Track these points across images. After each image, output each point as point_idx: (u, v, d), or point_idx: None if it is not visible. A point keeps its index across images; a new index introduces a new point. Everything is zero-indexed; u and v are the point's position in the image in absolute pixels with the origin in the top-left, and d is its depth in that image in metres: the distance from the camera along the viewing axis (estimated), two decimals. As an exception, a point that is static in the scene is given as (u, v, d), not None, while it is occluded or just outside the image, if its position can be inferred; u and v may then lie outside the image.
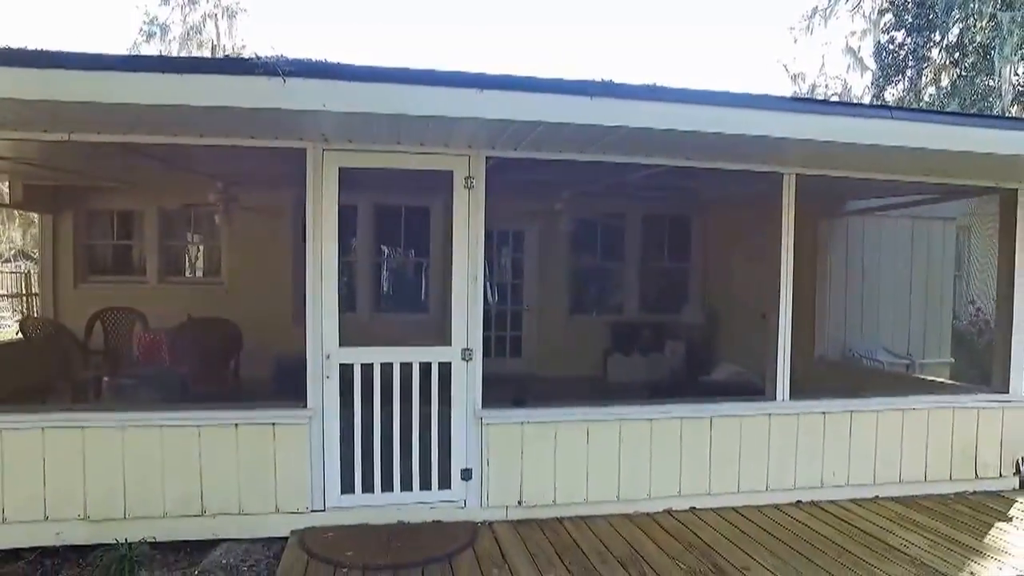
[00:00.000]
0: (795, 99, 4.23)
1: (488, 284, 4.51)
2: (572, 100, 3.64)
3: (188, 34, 26.40)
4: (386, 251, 8.16)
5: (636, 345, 8.25)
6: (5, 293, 13.56)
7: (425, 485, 4.42)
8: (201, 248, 9.14)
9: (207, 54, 26.13)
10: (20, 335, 7.31)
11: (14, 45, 3.24)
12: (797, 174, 4.84)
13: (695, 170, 4.78)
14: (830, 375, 7.12)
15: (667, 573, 3.79)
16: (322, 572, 3.71)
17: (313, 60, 3.25)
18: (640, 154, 4.56)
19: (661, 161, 4.68)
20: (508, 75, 3.50)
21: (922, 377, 6.68)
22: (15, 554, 4.03)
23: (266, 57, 3.12)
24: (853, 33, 26.35)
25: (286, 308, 7.83)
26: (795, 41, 26.22)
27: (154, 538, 4.14)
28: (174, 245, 8.90)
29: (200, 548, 4.19)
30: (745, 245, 7.33)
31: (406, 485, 4.39)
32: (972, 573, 3.89)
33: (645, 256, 9.07)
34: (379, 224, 8.06)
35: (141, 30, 27.23)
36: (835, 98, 29.95)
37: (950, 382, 6.21)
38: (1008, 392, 5.35)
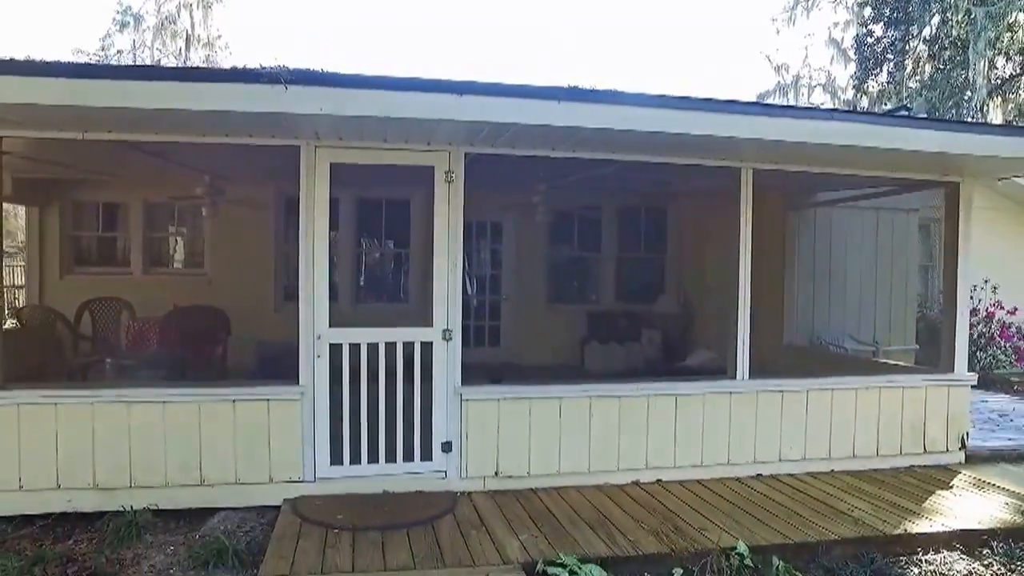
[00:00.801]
0: (742, 102, 4.58)
1: (467, 276, 4.85)
2: (543, 104, 4.00)
3: (163, 24, 26.29)
4: (364, 244, 8.42)
5: (613, 333, 8.57)
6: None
7: (408, 457, 4.77)
8: (184, 240, 9.31)
9: (181, 45, 26.03)
10: (16, 323, 7.55)
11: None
12: (754, 168, 5.20)
13: (660, 165, 5.13)
14: (796, 360, 7.50)
15: (631, 533, 4.15)
16: (315, 533, 4.05)
17: (311, 70, 3.58)
18: (607, 150, 4.91)
19: (628, 157, 5.03)
20: (484, 82, 3.85)
21: (878, 360, 7.07)
22: (29, 520, 4.35)
23: (270, 67, 3.46)
24: (836, 24, 26.65)
25: (268, 297, 8.16)
26: (778, 32, 26.53)
27: (157, 506, 4.45)
28: (158, 237, 9.05)
29: (199, 515, 4.52)
30: (715, 236, 7.69)
31: (391, 457, 4.74)
32: (906, 530, 4.28)
33: (621, 247, 9.38)
34: (360, 216, 8.34)
35: (115, 20, 27.11)
36: (818, 89, 30.35)
37: (902, 364, 6.60)
38: (953, 372, 5.76)
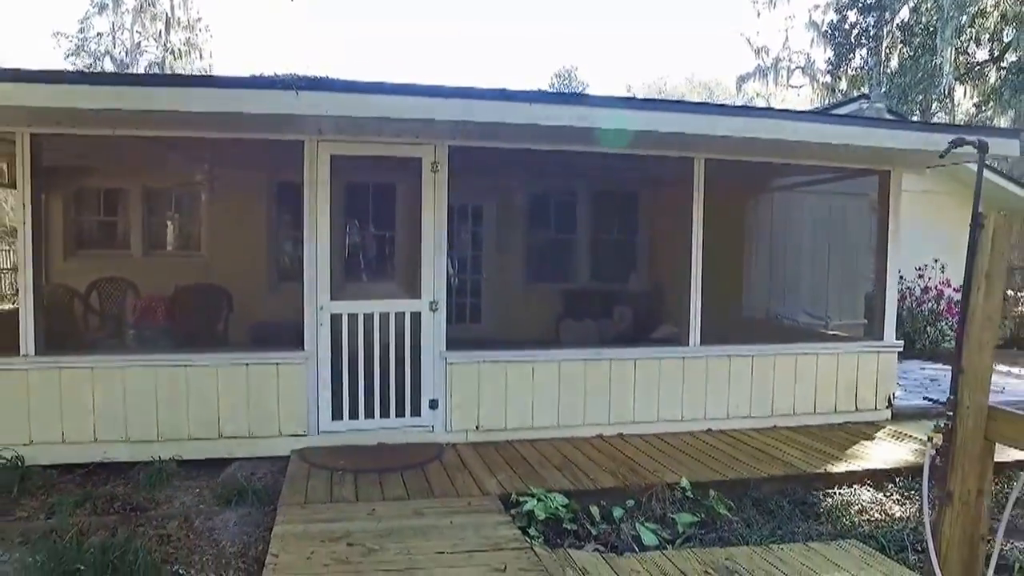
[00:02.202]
0: (691, 103, 5.29)
1: (450, 256, 5.51)
2: (517, 106, 4.65)
3: (142, 6, 26.42)
4: (360, 225, 8.94)
5: (586, 311, 9.22)
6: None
7: (400, 413, 5.45)
8: (182, 223, 9.82)
9: (161, 27, 26.16)
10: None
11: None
12: (705, 159, 5.88)
13: (626, 156, 5.81)
14: (752, 332, 8.22)
15: (592, 473, 4.87)
16: (322, 475, 4.74)
17: (317, 77, 4.23)
18: (579, 143, 5.57)
19: (597, 149, 5.67)
20: (465, 87, 4.49)
21: (821, 331, 7.81)
22: (71, 468, 4.99)
23: (285, 76, 4.08)
24: (817, 7, 27.15)
25: (262, 278, 8.75)
26: (759, 15, 27.03)
27: (180, 456, 5.11)
28: (157, 220, 9.54)
29: (218, 465, 5.18)
30: (677, 220, 8.37)
31: (385, 413, 5.42)
32: (826, 470, 5.04)
33: (594, 230, 10.00)
34: (356, 202, 8.87)
35: (93, 1, 27.15)
36: (798, 72, 31.00)
37: (841, 334, 7.33)
38: (883, 339, 6.51)
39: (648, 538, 3.95)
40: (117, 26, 26.08)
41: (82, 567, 3.34)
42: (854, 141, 5.48)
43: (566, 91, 55.89)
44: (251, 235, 8.62)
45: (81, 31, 26.76)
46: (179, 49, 24.79)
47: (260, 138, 5.14)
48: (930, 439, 3.12)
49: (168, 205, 9.47)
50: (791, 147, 5.55)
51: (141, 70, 24.54)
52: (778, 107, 33.12)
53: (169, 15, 25.11)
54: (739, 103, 35.72)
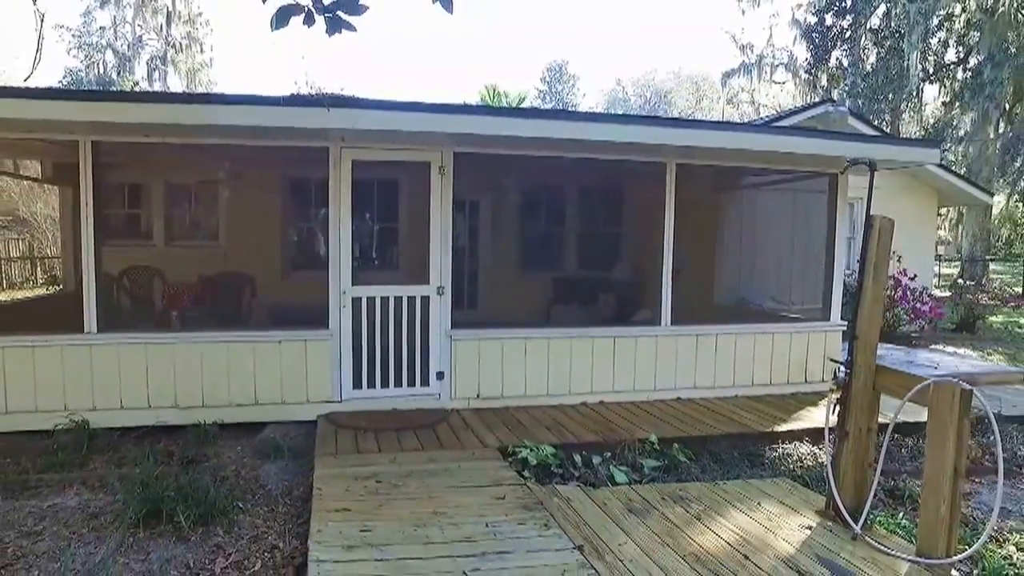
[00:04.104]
0: (664, 119, 6.19)
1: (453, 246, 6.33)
2: (516, 120, 5.52)
3: (143, 1, 26.90)
4: (376, 220, 9.73)
5: (574, 297, 10.11)
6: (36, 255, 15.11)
7: (411, 383, 6.32)
8: (210, 218, 10.60)
9: (162, 20, 26.71)
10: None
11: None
12: (676, 163, 6.76)
13: (610, 160, 6.68)
14: (719, 314, 9.14)
15: (576, 431, 5.76)
16: (347, 433, 5.60)
17: (343, 96, 5.06)
18: (570, 151, 6.42)
19: (584, 154, 6.51)
20: (469, 104, 5.35)
21: (780, 314, 8.73)
22: (128, 431, 5.81)
23: (318, 95, 4.90)
24: (799, 6, 28.06)
25: (276, 267, 9.57)
26: (743, 13, 27.98)
27: (222, 420, 5.93)
28: (178, 213, 10.34)
29: (254, 428, 6.01)
30: (654, 216, 9.27)
31: (398, 383, 6.28)
32: (773, 429, 5.96)
33: (581, 224, 10.88)
34: (373, 199, 9.66)
35: None
36: (780, 69, 31.99)
37: (794, 315, 8.25)
38: (830, 320, 7.44)
39: (620, 477, 4.85)
40: (119, 20, 26.56)
41: (170, 495, 4.18)
42: (811, 150, 6.40)
43: (556, 86, 56.42)
44: (272, 229, 9.42)
45: (84, 24, 27.22)
46: (180, 43, 25.32)
47: (292, 145, 5.95)
48: (831, 391, 4.05)
49: (199, 201, 10.26)
50: (745, 154, 6.46)
51: (143, 64, 25.11)
52: (762, 103, 34.11)
53: (170, 9, 25.65)
54: (724, 98, 36.79)
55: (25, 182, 12.96)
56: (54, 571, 3.64)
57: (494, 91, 17.89)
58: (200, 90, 25.22)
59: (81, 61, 27.46)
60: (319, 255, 6.40)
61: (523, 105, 18.60)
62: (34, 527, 4.16)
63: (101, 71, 25.36)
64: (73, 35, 26.19)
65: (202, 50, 26.05)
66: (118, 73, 25.22)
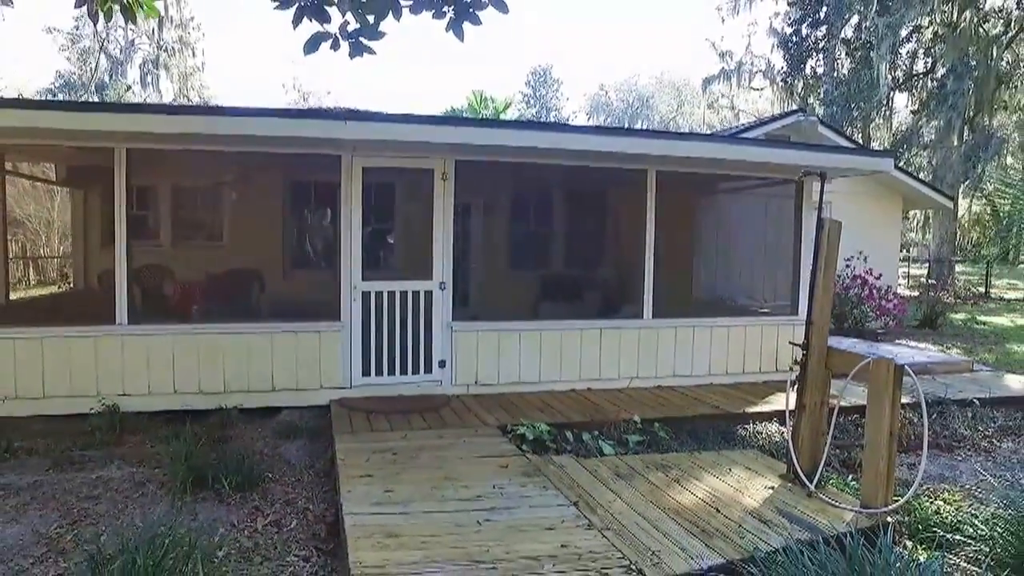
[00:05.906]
0: (646, 131, 6.84)
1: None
2: (511, 132, 6.11)
3: (135, 4, 27.09)
4: (383, 221, 10.23)
5: (561, 295, 10.71)
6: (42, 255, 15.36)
7: (415, 371, 6.89)
8: (225, 219, 11.03)
9: (154, 24, 26.91)
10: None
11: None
12: (657, 170, 7.41)
13: (596, 167, 7.31)
14: (697, 309, 9.78)
15: (566, 413, 6.36)
16: (359, 414, 6.16)
17: (357, 110, 5.61)
18: (560, 159, 7.04)
19: (572, 162, 7.14)
20: (469, 117, 5.95)
21: (754, 309, 9.40)
22: (155, 415, 6.30)
23: (334, 109, 5.47)
24: (777, 15, 28.95)
25: (277, 266, 10.05)
26: (723, 21, 28.91)
27: (242, 405, 6.44)
28: (183, 214, 10.78)
29: (271, 412, 6.54)
30: (637, 219, 9.90)
31: (404, 371, 6.85)
32: (744, 411, 6.61)
33: (570, 226, 11.45)
34: (380, 202, 10.17)
35: None
36: (759, 76, 32.90)
37: (764, 310, 8.93)
38: (797, 314, 8.12)
39: (607, 449, 5.46)
40: (111, 24, 26.76)
41: (212, 464, 4.72)
42: (769, 159, 7.08)
43: (541, 90, 56.98)
44: (282, 229, 9.89)
45: (76, 28, 27.38)
46: (172, 47, 25.62)
47: (308, 152, 6.49)
48: (790, 368, 4.68)
49: (219, 204, 10.68)
50: (717, 162, 7.12)
51: (135, 67, 25.37)
52: (741, 108, 35.04)
53: (162, 13, 25.90)
54: (704, 104, 37.72)
55: (25, 183, 13.28)
56: (119, 527, 4.17)
57: (481, 97, 18.50)
58: (193, 94, 25.56)
59: (73, 64, 27.64)
60: (331, 253, 6.93)
61: (508, 110, 19.31)
62: (90, 493, 4.68)
63: (92, 74, 25.51)
64: (66, 38, 26.37)
65: (194, 54, 26.38)
66: (110, 77, 25.44)
